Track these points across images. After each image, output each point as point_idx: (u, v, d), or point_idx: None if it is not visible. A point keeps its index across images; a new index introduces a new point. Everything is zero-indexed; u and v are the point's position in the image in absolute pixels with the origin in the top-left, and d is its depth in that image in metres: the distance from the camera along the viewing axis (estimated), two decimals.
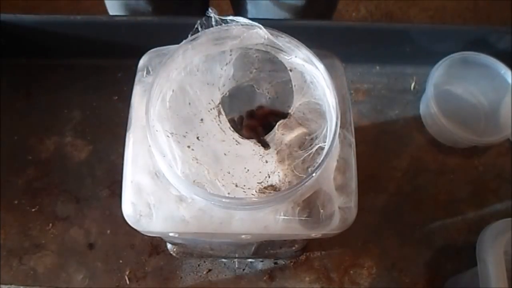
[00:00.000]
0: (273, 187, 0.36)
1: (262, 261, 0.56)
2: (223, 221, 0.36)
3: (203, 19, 0.37)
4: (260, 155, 0.38)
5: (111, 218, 0.58)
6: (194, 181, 0.35)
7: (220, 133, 0.38)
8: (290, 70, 0.39)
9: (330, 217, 0.37)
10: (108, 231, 0.57)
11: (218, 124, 0.38)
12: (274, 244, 0.53)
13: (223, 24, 0.37)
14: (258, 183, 0.36)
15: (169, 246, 0.55)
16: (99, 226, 0.57)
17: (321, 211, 0.36)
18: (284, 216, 0.36)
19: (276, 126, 0.39)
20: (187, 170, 0.35)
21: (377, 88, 0.66)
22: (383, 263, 0.57)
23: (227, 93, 0.40)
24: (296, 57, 0.38)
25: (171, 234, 0.38)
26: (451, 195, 0.61)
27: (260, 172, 0.37)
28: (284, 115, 0.39)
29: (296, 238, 0.50)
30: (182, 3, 0.75)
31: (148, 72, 0.40)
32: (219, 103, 0.39)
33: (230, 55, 0.39)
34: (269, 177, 0.36)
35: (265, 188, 0.36)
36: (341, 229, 0.37)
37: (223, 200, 0.34)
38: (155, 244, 0.57)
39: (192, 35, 0.37)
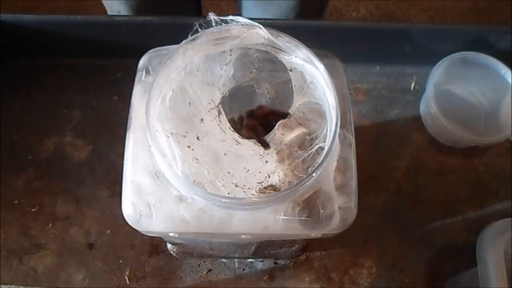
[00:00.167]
0: (273, 187, 0.36)
1: (262, 261, 0.56)
2: (223, 221, 0.36)
3: (203, 19, 0.37)
4: (260, 155, 0.38)
5: (111, 218, 0.58)
6: (194, 181, 0.35)
7: (220, 133, 0.38)
8: (290, 70, 0.39)
9: (330, 217, 0.37)
10: (108, 231, 0.57)
11: (218, 124, 0.38)
12: (274, 244, 0.53)
13: (223, 24, 0.37)
14: (258, 183, 0.36)
15: (169, 246, 0.55)
16: (99, 226, 0.57)
17: (321, 211, 0.37)
18: (284, 216, 0.36)
19: (276, 126, 0.39)
20: (187, 170, 0.35)
21: (377, 88, 0.66)
22: (383, 263, 0.57)
23: (227, 93, 0.40)
24: (296, 57, 0.38)
25: (171, 234, 0.38)
26: (451, 195, 0.61)
27: (260, 172, 0.37)
28: (284, 115, 0.39)
29: (296, 238, 0.50)
30: (175, 2, 0.75)
31: (148, 72, 0.40)
32: (219, 103, 0.39)
33: (230, 55, 0.39)
34: (269, 177, 0.36)
35: (265, 188, 0.36)
36: (341, 229, 0.37)
37: (223, 200, 0.34)
38: (155, 244, 0.57)
39: (192, 35, 0.37)
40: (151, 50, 0.42)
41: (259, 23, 0.37)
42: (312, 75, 0.38)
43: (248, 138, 0.39)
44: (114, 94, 0.64)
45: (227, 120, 0.39)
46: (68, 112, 0.63)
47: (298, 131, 0.39)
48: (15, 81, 0.65)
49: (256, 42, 0.38)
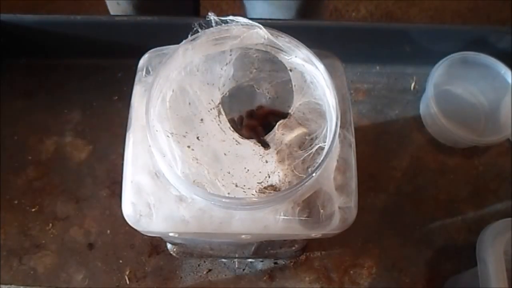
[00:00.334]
0: (273, 187, 0.36)
1: (262, 261, 0.56)
2: (223, 221, 0.36)
3: (203, 19, 0.37)
4: (260, 155, 0.38)
5: (111, 218, 0.58)
6: (194, 181, 0.35)
7: (220, 133, 0.38)
8: (290, 70, 0.39)
9: (330, 217, 0.37)
10: (108, 231, 0.57)
11: (218, 124, 0.38)
12: (274, 244, 0.53)
13: (223, 24, 0.37)
14: (258, 183, 0.36)
15: (169, 246, 0.55)
16: (99, 226, 0.57)
17: (321, 211, 0.37)
18: (284, 216, 0.36)
19: (276, 126, 0.39)
20: (187, 170, 0.35)
21: (377, 88, 0.66)
22: (383, 263, 0.57)
23: (227, 93, 0.40)
24: (296, 57, 0.38)
25: (171, 234, 0.38)
26: (451, 195, 0.61)
27: (260, 172, 0.37)
28: (284, 115, 0.39)
29: (296, 238, 0.50)
30: (173, 2, 0.75)
31: (148, 72, 0.40)
32: (219, 103, 0.39)
33: (230, 55, 0.39)
34: (269, 177, 0.36)
35: (265, 188, 0.36)
36: (341, 229, 0.37)
37: (223, 200, 0.34)
38: (155, 244, 0.57)
39: (192, 35, 0.37)
40: (151, 50, 0.42)
41: (259, 23, 0.37)
42: (312, 75, 0.38)
43: (248, 138, 0.39)
44: (114, 94, 0.64)
45: (227, 120, 0.39)
46: (68, 112, 0.63)
47: (298, 131, 0.39)
48: (15, 81, 0.65)
49: (256, 42, 0.38)
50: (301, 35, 0.38)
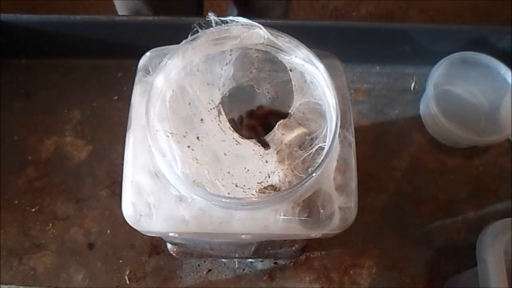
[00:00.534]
0: (273, 187, 0.36)
1: (262, 261, 0.56)
2: (223, 221, 0.36)
3: (203, 19, 0.37)
4: (260, 155, 0.38)
5: (111, 218, 0.58)
6: (194, 181, 0.35)
7: (220, 133, 0.38)
8: (290, 70, 0.39)
9: (330, 217, 0.37)
10: (108, 231, 0.57)
11: (218, 124, 0.38)
12: (274, 244, 0.53)
13: (223, 24, 0.37)
14: (258, 183, 0.36)
15: (169, 246, 0.55)
16: (99, 226, 0.57)
17: (321, 211, 0.37)
18: (284, 216, 0.36)
19: (276, 126, 0.39)
20: (187, 170, 0.35)
21: (377, 88, 0.66)
22: (383, 263, 0.57)
23: (227, 93, 0.40)
24: (296, 57, 0.38)
25: (171, 234, 0.38)
26: (451, 195, 0.61)
27: (260, 172, 0.37)
28: (284, 115, 0.39)
29: (296, 238, 0.50)
30: (181, 2, 0.76)
31: (148, 72, 0.40)
32: (219, 103, 0.39)
33: (230, 55, 0.39)
34: (269, 177, 0.36)
35: (265, 188, 0.36)
36: (341, 229, 0.37)
37: (223, 200, 0.34)
38: (155, 244, 0.57)
39: (192, 35, 0.37)
40: (151, 50, 0.42)
41: (259, 23, 0.37)
42: (312, 75, 0.38)
43: (248, 138, 0.39)
44: (114, 94, 0.64)
45: (227, 120, 0.39)
46: (68, 112, 0.63)
47: (298, 131, 0.39)
48: (15, 81, 0.65)
49: (256, 42, 0.38)
50: (301, 35, 0.38)
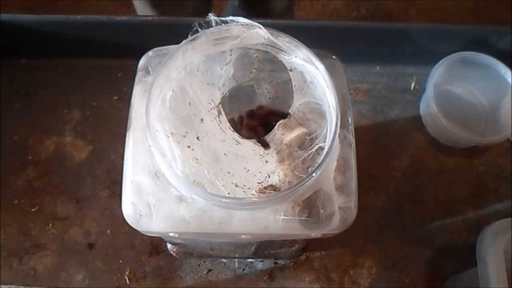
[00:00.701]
0: (273, 187, 0.36)
1: (262, 261, 0.56)
2: (223, 221, 0.36)
3: (203, 19, 0.37)
4: (260, 155, 0.38)
5: (111, 218, 0.57)
6: (194, 181, 0.35)
7: (220, 133, 0.38)
8: (290, 70, 0.39)
9: (330, 217, 0.37)
10: (108, 231, 0.57)
11: (218, 124, 0.38)
12: (274, 244, 0.53)
13: (223, 24, 0.37)
14: (258, 183, 0.36)
15: (169, 246, 0.55)
16: (99, 226, 0.57)
17: (321, 211, 0.37)
18: (284, 216, 0.36)
19: (276, 126, 0.39)
20: (187, 170, 0.35)
21: (377, 88, 0.66)
22: (383, 263, 0.57)
23: (227, 93, 0.40)
24: (296, 57, 0.38)
25: (171, 234, 0.38)
26: (451, 195, 0.61)
27: (260, 172, 0.37)
28: (284, 115, 0.39)
29: (296, 238, 0.50)
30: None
31: (148, 72, 0.40)
32: (219, 103, 0.39)
33: (230, 55, 0.39)
34: (269, 177, 0.37)
35: (265, 188, 0.36)
36: (341, 229, 0.37)
37: (223, 200, 0.34)
38: (155, 244, 0.57)
39: (192, 35, 0.37)
40: (151, 50, 0.42)
41: (259, 23, 0.37)
42: (312, 75, 0.38)
43: (248, 138, 0.39)
44: (114, 94, 0.64)
45: (227, 120, 0.39)
46: (68, 112, 0.63)
47: (298, 131, 0.39)
48: (15, 81, 0.65)
49: (256, 42, 0.38)
50: (301, 35, 0.38)
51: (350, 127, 0.39)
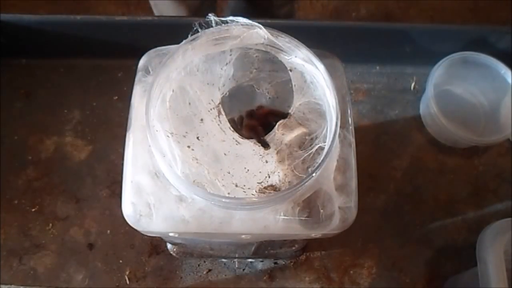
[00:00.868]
0: (273, 187, 0.36)
1: (262, 261, 0.56)
2: (223, 221, 0.36)
3: (203, 19, 0.37)
4: (260, 155, 0.38)
5: (111, 218, 0.58)
6: (194, 181, 0.35)
7: (220, 133, 0.38)
8: (290, 70, 0.39)
9: (330, 217, 0.37)
10: (108, 231, 0.57)
11: (218, 124, 0.38)
12: (274, 244, 0.53)
13: (223, 24, 0.37)
14: (258, 183, 0.36)
15: (169, 246, 0.55)
16: (99, 226, 0.57)
17: (321, 211, 0.37)
18: (284, 216, 0.36)
19: (276, 126, 0.39)
20: (187, 170, 0.35)
21: (377, 88, 0.66)
22: (383, 263, 0.57)
23: (227, 93, 0.40)
24: (296, 57, 0.38)
25: (171, 234, 0.38)
26: (451, 195, 0.61)
27: (260, 172, 0.37)
28: (284, 115, 0.39)
29: (296, 238, 0.50)
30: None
31: (148, 72, 0.40)
32: (219, 103, 0.39)
33: (230, 55, 0.39)
34: (269, 177, 0.37)
35: (265, 188, 0.36)
36: (341, 229, 0.37)
37: (223, 200, 0.34)
38: (155, 244, 0.57)
39: (192, 35, 0.37)
40: (151, 50, 0.42)
41: (259, 23, 0.37)
42: (312, 75, 0.38)
43: (248, 138, 0.39)
44: (114, 94, 0.64)
45: (227, 120, 0.39)
46: (68, 112, 0.63)
47: (298, 131, 0.39)
48: (15, 81, 0.65)
49: (256, 42, 0.38)
50: (301, 35, 0.38)
51: (350, 127, 0.39)
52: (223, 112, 0.39)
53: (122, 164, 0.38)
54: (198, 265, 0.56)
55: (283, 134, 0.39)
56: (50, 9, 1.28)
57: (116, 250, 0.56)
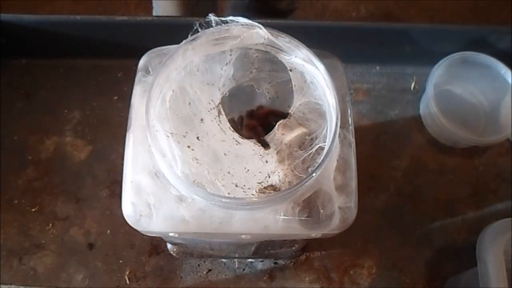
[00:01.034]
0: (273, 187, 0.36)
1: (262, 261, 0.56)
2: (223, 221, 0.36)
3: (203, 19, 0.37)
4: (260, 155, 0.38)
5: (111, 218, 0.57)
6: (194, 181, 0.35)
7: (220, 133, 0.38)
8: (290, 70, 0.39)
9: (330, 217, 0.37)
10: (108, 231, 0.57)
11: (218, 124, 0.38)
12: (274, 244, 0.53)
13: (223, 24, 0.37)
14: (258, 183, 0.36)
15: (169, 246, 0.55)
16: (99, 226, 0.57)
17: (321, 211, 0.37)
18: (284, 216, 0.36)
19: (276, 126, 0.39)
20: (187, 170, 0.35)
21: (377, 88, 0.66)
22: (383, 263, 0.57)
23: (227, 93, 0.40)
24: (296, 57, 0.38)
25: (171, 234, 0.38)
26: (451, 195, 0.61)
27: (260, 172, 0.37)
28: (284, 115, 0.39)
29: (296, 238, 0.50)
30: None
31: (148, 72, 0.40)
32: (219, 103, 0.39)
33: (230, 55, 0.39)
34: (269, 177, 0.37)
35: (265, 188, 0.36)
36: (341, 229, 0.37)
37: (223, 200, 0.34)
38: (155, 244, 0.57)
39: (192, 35, 0.37)
40: (151, 50, 0.42)
41: (259, 23, 0.37)
42: (312, 75, 0.38)
43: (248, 138, 0.39)
44: (114, 94, 0.64)
45: (227, 120, 0.39)
46: (68, 112, 0.63)
47: (298, 131, 0.39)
48: (15, 81, 0.65)
49: (256, 42, 0.38)
50: (301, 35, 0.38)
51: (350, 127, 0.39)
52: (223, 112, 0.39)
53: (122, 164, 0.38)
54: (198, 265, 0.56)
55: (283, 134, 0.39)
56: (50, 9, 1.28)
57: (116, 250, 0.56)
